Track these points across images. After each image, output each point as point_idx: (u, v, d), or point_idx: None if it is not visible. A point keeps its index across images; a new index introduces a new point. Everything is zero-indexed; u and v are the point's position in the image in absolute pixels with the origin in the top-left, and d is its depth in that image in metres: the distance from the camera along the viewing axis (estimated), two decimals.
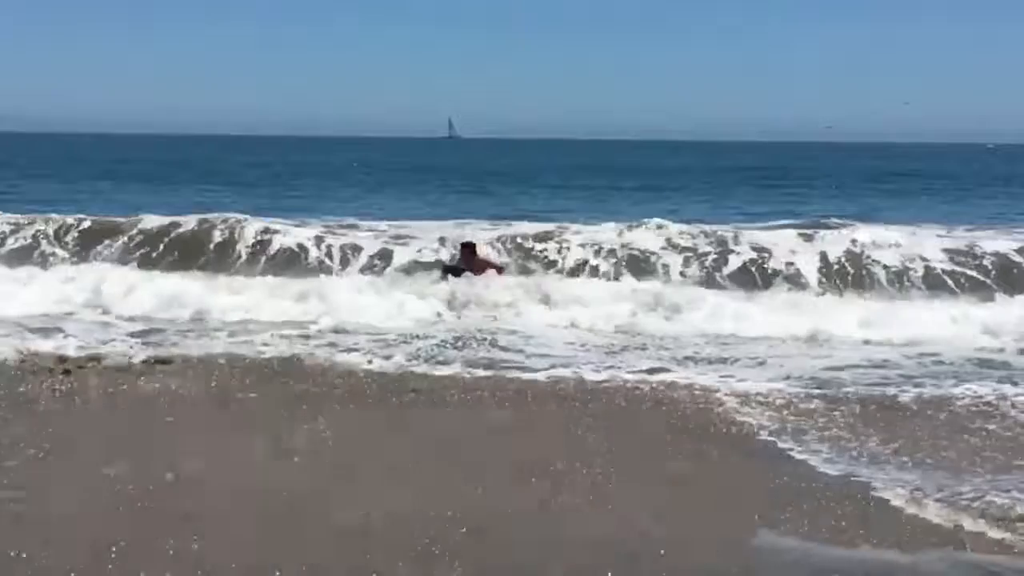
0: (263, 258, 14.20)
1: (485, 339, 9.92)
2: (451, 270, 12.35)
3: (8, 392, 7.45)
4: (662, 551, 4.78)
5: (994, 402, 7.67)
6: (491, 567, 4.57)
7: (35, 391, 7.51)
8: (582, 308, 11.20)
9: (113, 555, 4.59)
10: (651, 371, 8.62)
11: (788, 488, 5.70)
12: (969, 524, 5.19)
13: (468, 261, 12.50)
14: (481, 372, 8.48)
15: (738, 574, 4.60)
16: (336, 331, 10.22)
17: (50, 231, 14.89)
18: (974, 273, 13.16)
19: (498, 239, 14.36)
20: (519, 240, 14.30)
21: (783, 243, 14.24)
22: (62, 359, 8.49)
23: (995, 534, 5.08)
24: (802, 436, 6.74)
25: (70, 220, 15.25)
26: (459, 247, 13.11)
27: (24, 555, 4.57)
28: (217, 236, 14.63)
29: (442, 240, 14.16)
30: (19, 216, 15.49)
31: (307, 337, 9.91)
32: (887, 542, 4.96)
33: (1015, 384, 8.23)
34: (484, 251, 13.37)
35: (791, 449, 6.47)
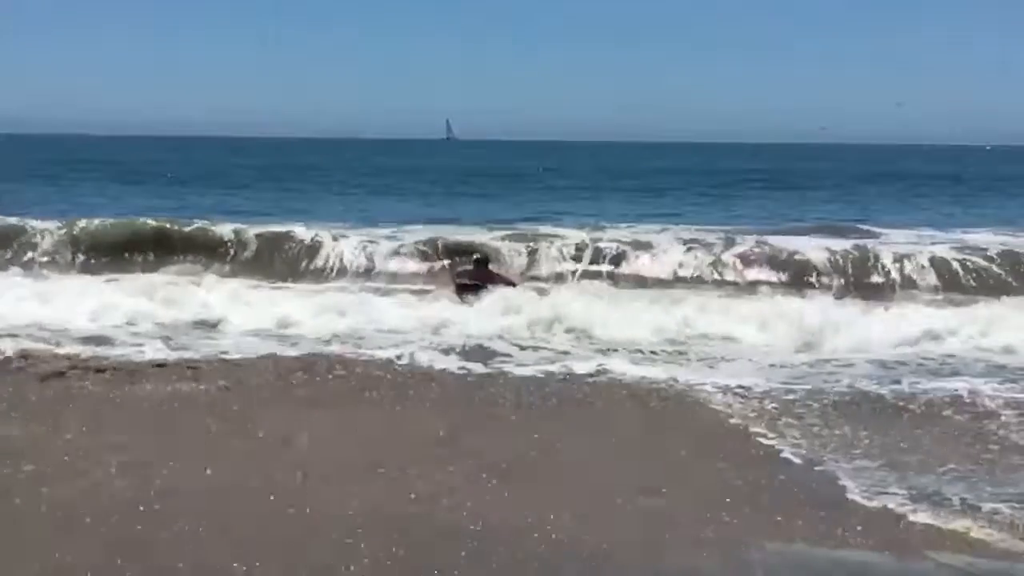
0: (278, 263, 14.38)
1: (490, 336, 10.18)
2: (465, 288, 12.30)
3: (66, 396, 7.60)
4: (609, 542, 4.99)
5: (966, 397, 7.90)
6: (470, 565, 4.70)
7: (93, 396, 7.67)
8: (583, 307, 11.34)
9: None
10: (637, 363, 9.02)
11: (750, 472, 6.04)
12: (924, 517, 5.38)
13: (481, 276, 12.49)
14: (481, 368, 8.79)
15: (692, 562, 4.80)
16: (357, 335, 10.39)
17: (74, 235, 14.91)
18: (977, 273, 13.33)
19: (501, 239, 14.54)
20: (522, 244, 14.52)
21: (788, 245, 14.44)
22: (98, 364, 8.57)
23: (948, 525, 5.27)
24: (775, 424, 7.11)
25: (86, 223, 15.29)
26: (472, 262, 12.96)
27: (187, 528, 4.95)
28: (234, 241, 14.75)
29: (456, 251, 14.25)
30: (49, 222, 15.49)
31: (329, 339, 10.13)
32: (837, 531, 5.18)
33: (985, 379, 8.52)
34: (502, 266, 13.41)
35: (761, 435, 6.83)
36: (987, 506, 5.50)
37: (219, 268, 14.17)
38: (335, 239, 14.79)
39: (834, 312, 11.08)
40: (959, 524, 5.27)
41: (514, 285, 12.57)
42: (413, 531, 5.02)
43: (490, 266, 12.89)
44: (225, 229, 15.11)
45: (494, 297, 11.58)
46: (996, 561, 4.85)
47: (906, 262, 13.58)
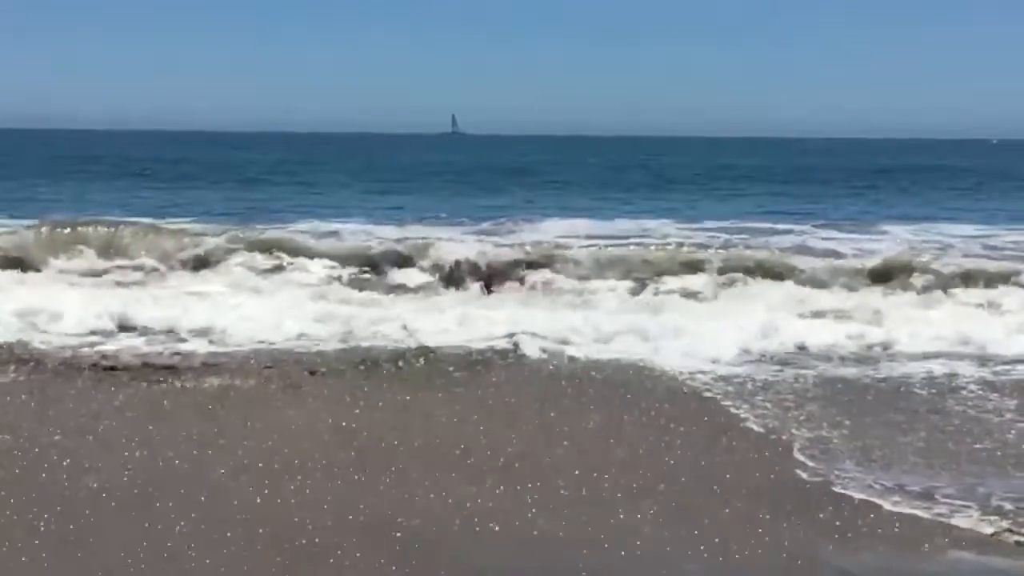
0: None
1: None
2: None
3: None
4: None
5: (940, 379, 8.51)
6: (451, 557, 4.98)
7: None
8: (586, 300, 11.85)
9: None
10: (627, 349, 9.58)
11: (716, 441, 6.73)
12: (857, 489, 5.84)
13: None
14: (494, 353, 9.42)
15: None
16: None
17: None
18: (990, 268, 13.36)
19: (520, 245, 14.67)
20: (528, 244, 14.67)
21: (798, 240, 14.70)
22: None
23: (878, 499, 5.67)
24: (753, 399, 7.74)
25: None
26: (481, 285, 12.93)
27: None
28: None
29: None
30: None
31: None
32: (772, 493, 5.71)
33: (965, 362, 9.10)
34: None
35: (732, 406, 7.54)
36: (928, 484, 5.90)
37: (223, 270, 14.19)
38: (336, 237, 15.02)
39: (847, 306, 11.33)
40: (894, 501, 5.63)
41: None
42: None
43: (493, 288, 12.93)
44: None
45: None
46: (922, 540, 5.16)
47: (931, 257, 13.65)
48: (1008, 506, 5.55)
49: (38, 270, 13.44)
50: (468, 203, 26.20)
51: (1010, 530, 5.23)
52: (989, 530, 5.24)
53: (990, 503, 5.60)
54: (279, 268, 13.85)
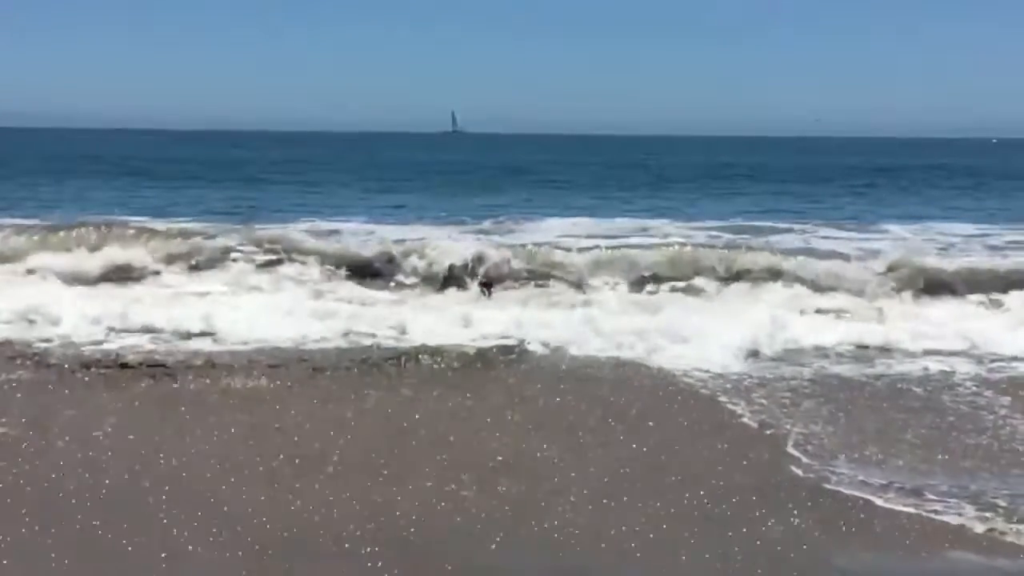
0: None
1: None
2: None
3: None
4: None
5: (938, 377, 8.67)
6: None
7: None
8: (586, 300, 11.90)
9: None
10: (627, 348, 9.66)
11: (708, 431, 6.98)
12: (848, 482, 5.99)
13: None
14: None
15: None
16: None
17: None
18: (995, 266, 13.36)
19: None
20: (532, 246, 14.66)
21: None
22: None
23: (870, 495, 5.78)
24: (750, 396, 7.90)
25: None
26: (481, 284, 12.87)
27: None
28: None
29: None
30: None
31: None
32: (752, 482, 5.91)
33: (964, 361, 9.26)
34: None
35: (730, 403, 7.72)
36: (921, 481, 5.99)
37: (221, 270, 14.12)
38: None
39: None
40: (886, 496, 5.75)
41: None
42: None
43: (492, 288, 12.95)
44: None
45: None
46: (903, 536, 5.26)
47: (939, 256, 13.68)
48: (1001, 503, 5.62)
49: (37, 270, 13.46)
50: (468, 202, 26.14)
51: (1003, 528, 5.28)
52: (981, 527, 5.29)
53: (983, 500, 5.67)
54: (279, 267, 13.83)
